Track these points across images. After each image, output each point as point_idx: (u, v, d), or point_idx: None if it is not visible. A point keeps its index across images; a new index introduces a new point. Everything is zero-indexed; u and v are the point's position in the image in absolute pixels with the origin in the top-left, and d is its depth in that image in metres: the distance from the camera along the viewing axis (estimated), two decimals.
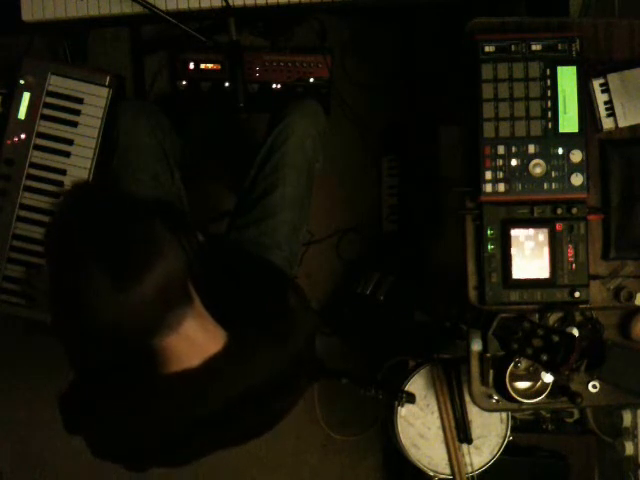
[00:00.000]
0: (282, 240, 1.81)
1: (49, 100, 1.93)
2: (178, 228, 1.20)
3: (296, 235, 1.86)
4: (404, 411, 2.05)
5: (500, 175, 1.67)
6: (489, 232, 1.69)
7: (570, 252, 1.68)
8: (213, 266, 1.50)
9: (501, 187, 1.67)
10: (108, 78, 1.94)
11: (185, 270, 1.18)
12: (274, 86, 2.41)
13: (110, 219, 1.14)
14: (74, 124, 1.93)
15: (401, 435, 2.04)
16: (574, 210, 1.67)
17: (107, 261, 1.10)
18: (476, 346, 1.72)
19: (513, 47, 1.67)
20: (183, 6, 1.85)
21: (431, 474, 2.05)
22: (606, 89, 1.72)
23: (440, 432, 2.06)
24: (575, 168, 1.66)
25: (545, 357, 1.53)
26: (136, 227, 1.14)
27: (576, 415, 2.29)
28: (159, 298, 1.13)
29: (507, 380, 1.70)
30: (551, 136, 1.67)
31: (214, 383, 1.32)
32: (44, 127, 1.93)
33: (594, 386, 1.74)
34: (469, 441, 2.03)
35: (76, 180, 1.90)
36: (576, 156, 1.66)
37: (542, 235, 1.68)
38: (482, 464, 2.05)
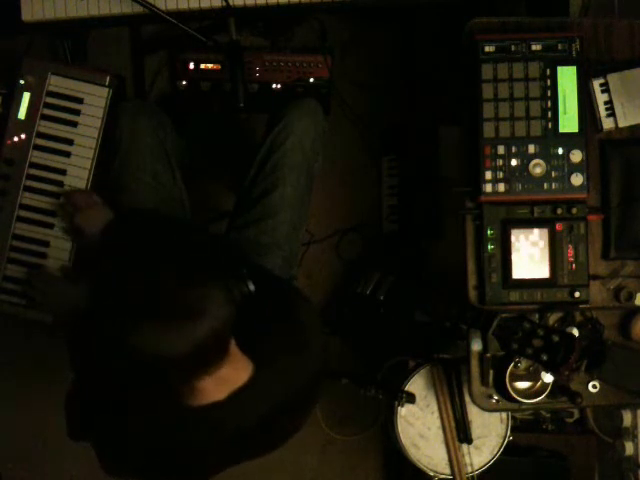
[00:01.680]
0: (282, 240, 1.81)
1: (49, 100, 1.93)
2: (233, 282, 1.19)
3: (296, 235, 1.86)
4: (404, 411, 2.05)
5: (500, 175, 1.67)
6: (489, 232, 1.69)
7: (570, 252, 1.68)
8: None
9: (501, 187, 1.67)
10: (108, 78, 1.94)
11: (229, 327, 1.17)
12: (274, 86, 2.40)
13: (170, 277, 1.11)
14: (74, 124, 1.93)
15: (401, 435, 2.04)
16: (574, 210, 1.68)
17: (155, 315, 1.09)
18: (476, 346, 1.72)
19: (513, 47, 1.67)
20: (183, 6, 1.85)
21: (431, 474, 2.05)
22: (606, 89, 1.72)
23: (440, 432, 2.05)
24: (575, 168, 1.66)
25: (545, 357, 1.53)
26: (191, 291, 1.12)
27: (576, 415, 2.29)
28: (200, 354, 1.13)
29: (507, 380, 1.70)
30: (551, 136, 1.67)
31: (237, 411, 1.31)
32: (44, 127, 1.93)
33: (594, 386, 1.74)
34: (469, 441, 2.03)
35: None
36: (576, 156, 1.66)
37: (542, 235, 1.68)
38: (482, 464, 2.05)
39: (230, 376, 1.28)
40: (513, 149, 1.67)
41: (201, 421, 1.30)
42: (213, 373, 1.21)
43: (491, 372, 1.73)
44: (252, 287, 1.29)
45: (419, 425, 2.06)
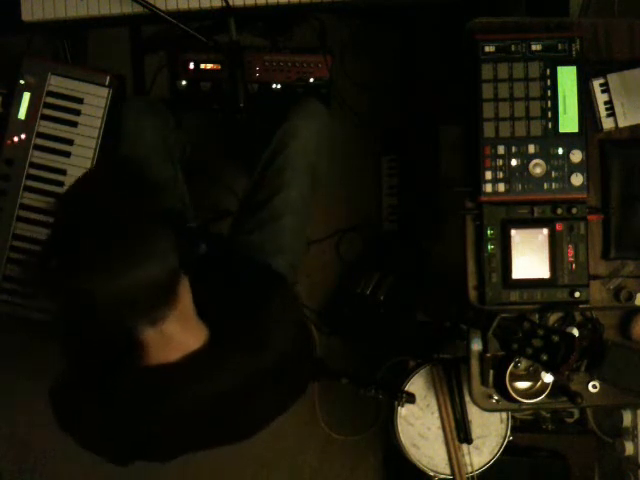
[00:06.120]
0: (286, 245, 1.80)
1: (49, 100, 1.93)
2: (181, 237, 1.19)
3: (299, 238, 1.85)
4: (404, 411, 2.05)
5: (500, 175, 1.67)
6: (489, 232, 1.69)
7: (570, 252, 1.68)
8: (214, 269, 1.50)
9: (501, 187, 1.67)
10: (108, 78, 1.94)
11: (173, 278, 1.19)
12: (274, 86, 2.40)
13: (117, 214, 1.14)
14: (74, 124, 1.93)
15: (401, 435, 2.04)
16: (574, 210, 1.67)
17: (100, 251, 1.11)
18: (476, 346, 1.72)
19: (513, 47, 1.67)
20: (183, 6, 1.85)
21: (431, 474, 2.05)
22: (606, 89, 1.72)
23: (440, 432, 2.06)
24: (575, 168, 1.66)
25: (545, 357, 1.53)
26: (138, 227, 1.15)
27: (576, 415, 2.29)
28: (140, 296, 1.14)
29: (507, 380, 1.70)
30: (551, 136, 1.67)
31: (191, 378, 1.32)
32: (44, 127, 1.93)
33: (594, 386, 1.74)
34: (469, 441, 2.03)
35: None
36: (576, 156, 1.66)
37: (542, 235, 1.68)
38: (482, 464, 2.05)
39: (179, 336, 1.27)
40: (513, 149, 1.67)
41: (156, 383, 1.30)
42: (158, 325, 1.22)
43: (491, 372, 1.73)
44: (203, 249, 1.29)
45: (419, 425, 2.06)
